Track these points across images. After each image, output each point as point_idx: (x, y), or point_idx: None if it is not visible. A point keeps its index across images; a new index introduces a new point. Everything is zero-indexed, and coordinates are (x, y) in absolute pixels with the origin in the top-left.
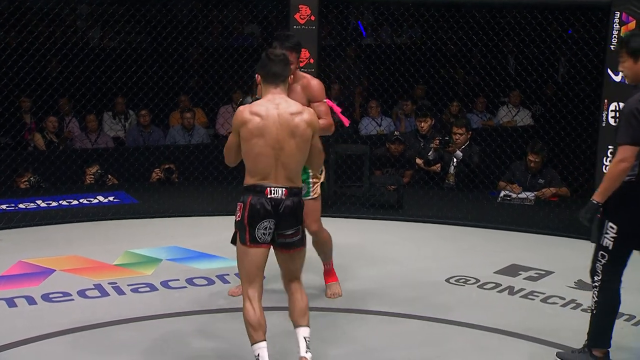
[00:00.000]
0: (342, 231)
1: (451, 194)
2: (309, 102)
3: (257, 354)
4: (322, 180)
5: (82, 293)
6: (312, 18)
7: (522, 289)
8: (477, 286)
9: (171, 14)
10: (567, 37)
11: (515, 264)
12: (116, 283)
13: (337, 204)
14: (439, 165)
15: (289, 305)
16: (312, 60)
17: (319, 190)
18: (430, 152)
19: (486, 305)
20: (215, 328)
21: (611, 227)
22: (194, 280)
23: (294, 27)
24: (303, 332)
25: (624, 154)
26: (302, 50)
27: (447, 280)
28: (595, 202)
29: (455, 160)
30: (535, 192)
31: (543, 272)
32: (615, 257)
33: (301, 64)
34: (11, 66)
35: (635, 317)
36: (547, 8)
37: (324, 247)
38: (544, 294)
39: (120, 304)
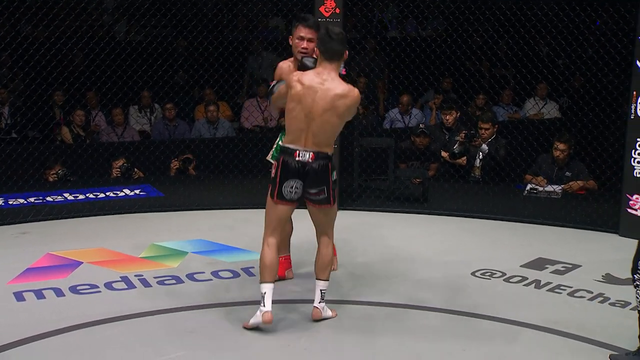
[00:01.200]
0: (367, 224)
1: (477, 187)
2: None
3: (264, 292)
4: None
5: (109, 285)
6: (337, 11)
7: (548, 283)
8: (503, 280)
9: (196, 7)
10: (595, 28)
11: (541, 258)
12: (142, 275)
13: (362, 197)
14: (464, 158)
15: (316, 257)
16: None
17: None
18: (456, 145)
19: (512, 299)
20: (241, 320)
21: None
22: (219, 272)
23: (319, 20)
24: (321, 285)
25: None
26: None
27: (473, 274)
28: None
29: (480, 153)
30: (562, 185)
31: (570, 266)
32: None
33: None
34: (39, 60)
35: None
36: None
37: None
38: (570, 287)
39: (147, 296)
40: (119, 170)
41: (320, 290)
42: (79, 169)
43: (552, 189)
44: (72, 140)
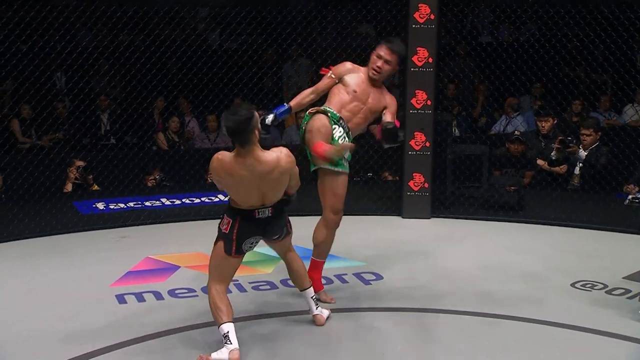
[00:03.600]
0: (461, 232)
1: (575, 195)
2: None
3: (226, 331)
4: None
5: (205, 290)
6: (432, 17)
7: None
8: (605, 292)
9: (290, 15)
10: None
11: None
12: (237, 281)
13: (456, 204)
14: (564, 166)
15: (289, 273)
16: (430, 60)
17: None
18: (553, 152)
19: (615, 312)
20: (336, 326)
21: None
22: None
23: (413, 26)
24: (309, 293)
25: None
26: (421, 49)
27: (573, 285)
28: None
29: (579, 160)
30: None
31: None
32: None
33: (419, 64)
34: (138, 69)
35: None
36: None
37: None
38: None
39: (243, 301)
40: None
41: (312, 297)
42: (175, 175)
43: None
44: (168, 147)
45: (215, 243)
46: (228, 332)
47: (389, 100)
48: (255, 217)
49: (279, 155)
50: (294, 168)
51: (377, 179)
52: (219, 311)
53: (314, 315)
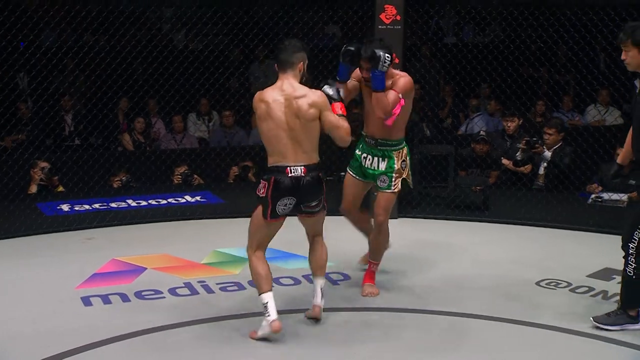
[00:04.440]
0: (427, 232)
1: (540, 195)
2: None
3: (265, 302)
4: (404, 176)
5: (172, 291)
6: (398, 18)
7: (616, 294)
8: (569, 290)
9: (257, 15)
10: None
11: (608, 268)
12: (205, 282)
13: (422, 204)
14: (529, 166)
15: (309, 256)
16: (397, 61)
17: (399, 185)
18: (518, 152)
19: (579, 310)
20: (302, 327)
21: None
22: (280, 279)
23: (379, 27)
24: (320, 282)
25: None
26: None
27: (538, 284)
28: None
29: (544, 161)
30: (628, 194)
31: None
32: None
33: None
34: (103, 69)
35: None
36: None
37: (378, 243)
38: None
39: (210, 303)
40: (180, 177)
41: (320, 287)
42: (141, 176)
43: (617, 197)
44: (133, 147)
45: (254, 210)
46: (267, 302)
47: (399, 84)
48: (288, 175)
49: (312, 90)
50: (327, 111)
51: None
52: (259, 278)
53: (313, 306)
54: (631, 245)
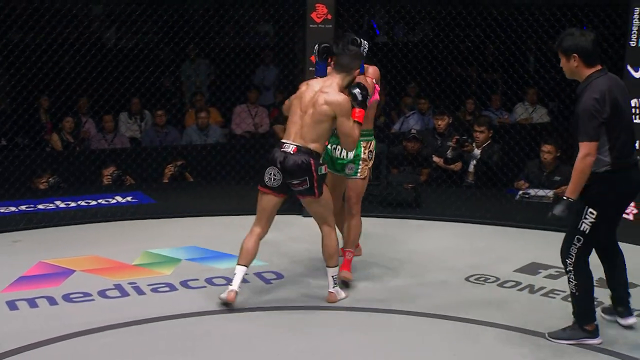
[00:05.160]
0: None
1: (469, 192)
2: None
3: (235, 272)
4: (370, 165)
5: (102, 293)
6: (329, 17)
7: (542, 288)
8: (497, 285)
9: (188, 13)
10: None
11: (535, 262)
12: (136, 283)
13: None
14: (459, 163)
15: (322, 245)
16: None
17: (366, 173)
18: (449, 150)
19: (507, 304)
20: (235, 327)
21: (591, 212)
22: (213, 280)
23: (311, 26)
24: (331, 271)
25: (587, 149)
26: None
27: (467, 279)
28: (569, 199)
29: (473, 159)
30: (554, 190)
31: (563, 271)
32: (590, 240)
33: None
34: (30, 67)
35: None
36: (565, 5)
37: (350, 228)
38: (564, 292)
39: (141, 304)
40: (109, 177)
41: (332, 276)
42: (70, 176)
43: (543, 194)
44: (62, 147)
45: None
46: (235, 274)
47: (370, 71)
48: (280, 149)
49: (339, 93)
50: (343, 117)
51: None
52: (240, 250)
53: (329, 292)
54: (568, 262)
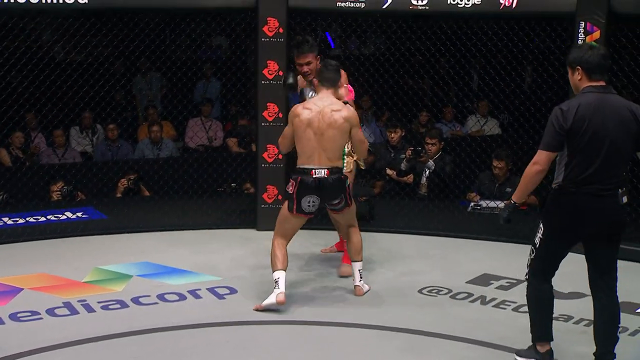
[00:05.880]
0: (315, 243)
1: (422, 204)
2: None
3: (277, 277)
4: (355, 158)
5: (51, 311)
6: (281, 30)
7: (493, 299)
8: (450, 296)
9: (138, 27)
10: (533, 46)
11: (486, 274)
12: (86, 300)
13: None
14: (411, 176)
15: (347, 245)
16: (281, 73)
17: (352, 166)
18: (403, 162)
19: (459, 316)
20: (188, 344)
21: (541, 227)
22: (165, 295)
23: (263, 39)
24: (358, 265)
25: (538, 157)
26: (271, 62)
27: (420, 291)
28: (513, 202)
29: (427, 170)
30: (504, 201)
31: (514, 281)
32: (541, 255)
33: (270, 77)
34: None
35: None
36: (512, 18)
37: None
38: (515, 303)
39: (91, 322)
40: (59, 193)
41: (359, 270)
42: (18, 192)
43: (495, 205)
44: (11, 163)
45: (283, 203)
46: (278, 278)
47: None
48: (312, 176)
49: (347, 106)
50: (356, 127)
51: (239, 190)
52: (275, 259)
53: (355, 286)
54: (526, 272)
